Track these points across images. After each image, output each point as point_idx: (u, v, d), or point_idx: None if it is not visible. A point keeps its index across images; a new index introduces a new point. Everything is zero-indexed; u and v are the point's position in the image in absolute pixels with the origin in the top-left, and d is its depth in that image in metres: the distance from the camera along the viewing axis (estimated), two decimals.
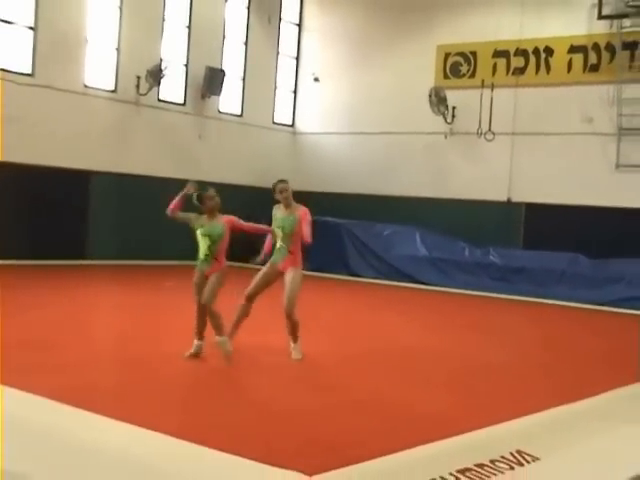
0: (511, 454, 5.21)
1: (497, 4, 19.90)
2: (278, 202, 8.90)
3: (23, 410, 5.77)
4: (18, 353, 7.79)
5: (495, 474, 4.85)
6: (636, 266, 16.65)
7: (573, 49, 18.89)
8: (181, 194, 8.30)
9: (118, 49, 18.58)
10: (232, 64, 21.32)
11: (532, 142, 19.30)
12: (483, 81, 19.69)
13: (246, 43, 21.84)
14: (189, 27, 20.18)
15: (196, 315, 8.26)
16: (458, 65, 20.54)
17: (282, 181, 8.89)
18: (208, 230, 8.13)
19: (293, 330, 8.64)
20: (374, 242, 19.62)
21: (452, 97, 20.01)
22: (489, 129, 19.43)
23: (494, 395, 7.61)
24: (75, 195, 17.69)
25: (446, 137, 20.42)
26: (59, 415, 5.75)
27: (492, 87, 19.46)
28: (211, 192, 8.24)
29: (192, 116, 20.40)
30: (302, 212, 8.73)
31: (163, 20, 19.61)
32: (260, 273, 8.83)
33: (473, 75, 20.25)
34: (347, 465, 4.87)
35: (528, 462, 5.13)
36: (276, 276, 8.77)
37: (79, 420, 5.63)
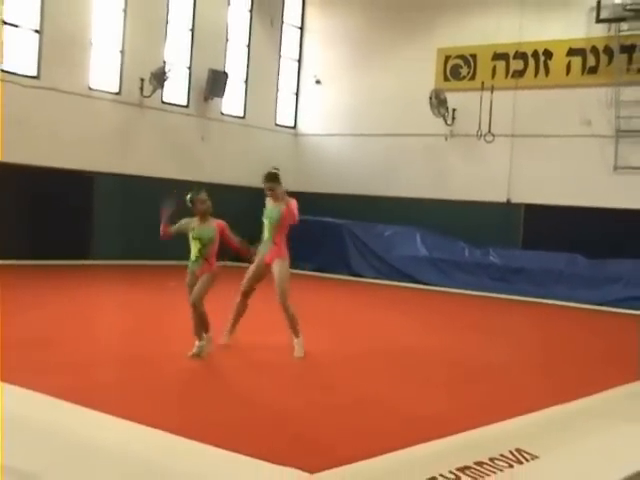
0: (510, 452, 5.20)
1: (497, 8, 19.90)
2: None
3: (26, 408, 5.77)
4: (22, 351, 7.79)
5: (494, 472, 4.84)
6: (634, 266, 16.66)
7: (572, 52, 18.90)
8: (163, 217, 8.27)
9: (122, 52, 18.60)
10: (235, 66, 21.34)
11: (531, 144, 19.30)
12: (483, 83, 19.69)
13: (249, 46, 21.84)
14: (192, 30, 20.19)
15: (192, 317, 8.25)
16: (458, 68, 20.54)
17: (267, 179, 8.92)
18: (199, 233, 8.18)
19: (292, 323, 8.70)
20: (375, 242, 19.63)
21: (452, 99, 20.02)
22: (489, 131, 19.43)
23: (494, 394, 7.61)
24: (80, 196, 17.68)
25: (446, 139, 20.43)
26: (61, 413, 5.74)
27: (492, 89, 19.46)
28: (202, 196, 8.24)
29: (195, 118, 20.41)
30: (289, 203, 8.83)
31: (167, 23, 19.62)
32: (251, 267, 8.92)
33: (473, 77, 20.25)
34: (348, 463, 4.86)
35: (527, 460, 5.13)
36: (264, 268, 8.83)
37: (81, 417, 5.62)
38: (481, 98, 19.57)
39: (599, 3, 17.91)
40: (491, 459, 5.03)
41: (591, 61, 18.65)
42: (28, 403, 5.93)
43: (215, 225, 8.21)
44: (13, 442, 4.81)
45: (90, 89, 18.04)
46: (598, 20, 18.06)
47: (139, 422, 5.48)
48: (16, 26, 16.66)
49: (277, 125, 22.88)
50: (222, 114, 21.16)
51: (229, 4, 21.15)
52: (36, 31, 16.97)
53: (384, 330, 11.45)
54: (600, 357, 10.45)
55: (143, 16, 18.86)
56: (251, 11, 21.80)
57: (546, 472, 5.05)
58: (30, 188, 16.56)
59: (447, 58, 20.67)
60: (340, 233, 19.84)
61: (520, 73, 19.56)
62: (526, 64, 19.51)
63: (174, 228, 8.32)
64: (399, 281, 18.57)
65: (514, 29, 19.41)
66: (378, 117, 21.54)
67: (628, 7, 17.48)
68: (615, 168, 18.14)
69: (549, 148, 18.93)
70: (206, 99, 20.38)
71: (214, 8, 20.66)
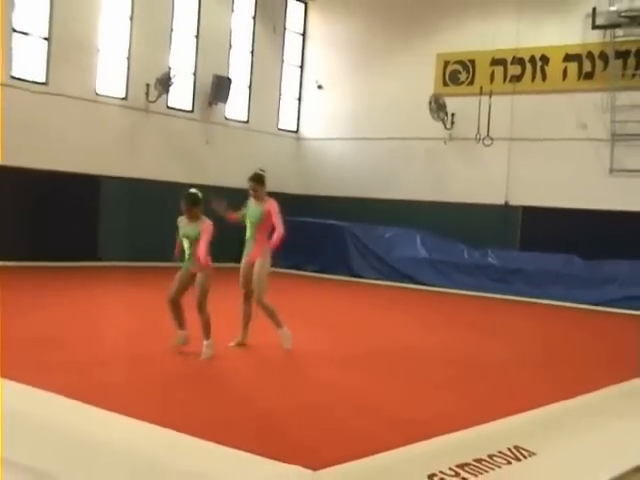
0: (508, 449, 5.22)
1: (495, 14, 19.92)
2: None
3: (33, 405, 5.81)
4: (30, 350, 7.84)
5: (493, 469, 4.86)
6: (629, 267, 16.67)
7: (568, 58, 18.90)
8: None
9: (129, 58, 18.62)
10: (238, 72, 21.36)
11: (529, 147, 19.31)
12: (481, 88, 19.70)
13: (252, 52, 21.87)
14: (197, 37, 20.22)
15: (172, 313, 8.46)
16: (457, 73, 20.56)
17: (252, 180, 9.10)
18: (185, 231, 8.38)
19: (271, 317, 8.83)
20: (376, 244, 19.63)
21: (451, 104, 20.03)
22: (487, 135, 19.43)
23: (492, 392, 7.63)
24: (87, 199, 17.70)
25: (445, 142, 20.44)
26: (67, 410, 5.75)
27: (490, 94, 19.46)
28: (191, 198, 8.38)
29: (200, 122, 20.43)
30: (269, 205, 8.95)
31: (172, 30, 19.65)
32: (241, 269, 9.00)
33: (472, 83, 20.26)
34: (349, 461, 4.88)
35: (525, 457, 5.15)
36: (250, 267, 8.93)
37: (86, 415, 5.63)
38: (479, 103, 19.57)
39: (595, 10, 17.92)
40: (490, 456, 5.05)
41: (587, 66, 18.66)
42: (35, 401, 5.95)
43: (201, 225, 8.30)
44: (19, 439, 4.85)
45: (97, 94, 18.07)
46: (594, 26, 18.07)
47: (143, 419, 5.50)
48: (26, 34, 16.71)
49: (280, 129, 22.91)
50: (226, 119, 21.18)
51: (233, 11, 21.18)
52: (45, 38, 17.01)
53: (384, 330, 11.46)
54: (596, 356, 10.46)
55: (149, 23, 18.90)
56: (254, 18, 21.83)
57: (543, 468, 5.07)
58: (39, 191, 16.60)
59: (446, 63, 20.69)
60: (341, 235, 19.84)
61: (518, 78, 19.57)
62: (523, 69, 19.52)
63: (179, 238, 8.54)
64: (399, 282, 18.57)
65: (512, 35, 19.43)
66: (379, 121, 21.56)
67: (623, 14, 17.48)
68: (611, 171, 18.15)
69: (546, 151, 18.94)
70: (210, 104, 20.41)
71: (218, 15, 20.69)
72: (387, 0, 21.65)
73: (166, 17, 19.45)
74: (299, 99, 23.42)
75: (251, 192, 9.03)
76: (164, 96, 19.07)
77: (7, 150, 15.89)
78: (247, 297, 9.04)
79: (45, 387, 6.19)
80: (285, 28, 22.83)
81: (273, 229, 8.89)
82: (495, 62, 19.91)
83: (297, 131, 23.39)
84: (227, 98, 20.46)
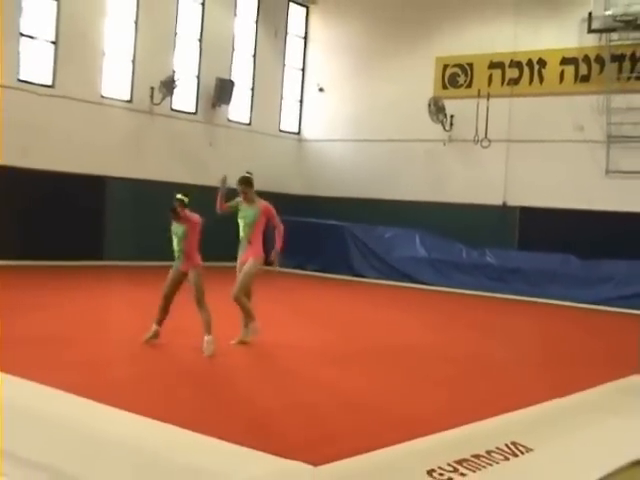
0: (506, 445, 5.23)
1: (493, 18, 19.91)
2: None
3: (41, 402, 5.83)
4: (36, 348, 7.85)
5: (491, 464, 4.87)
6: (625, 267, 16.68)
7: (565, 61, 18.91)
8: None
9: (133, 61, 18.63)
10: (241, 75, 21.36)
11: (526, 149, 19.31)
12: (479, 91, 19.71)
13: (254, 55, 21.87)
14: (200, 40, 20.22)
15: (160, 304, 8.57)
16: (456, 76, 20.56)
17: (241, 183, 9.15)
18: (174, 230, 8.51)
19: (245, 312, 8.88)
20: (376, 244, 19.64)
21: (450, 106, 20.03)
22: (485, 136, 19.45)
23: (490, 390, 7.63)
24: (92, 199, 17.72)
25: (444, 144, 20.44)
26: (74, 407, 5.77)
27: (488, 97, 19.47)
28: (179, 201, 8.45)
29: (203, 124, 20.44)
30: (263, 207, 9.04)
31: (175, 34, 19.65)
32: (238, 270, 9.01)
33: (470, 85, 20.27)
34: (348, 457, 4.88)
35: (522, 453, 5.16)
36: (243, 266, 8.97)
37: (93, 411, 5.65)
38: (478, 105, 19.58)
39: (590, 14, 17.88)
40: (488, 452, 5.06)
41: (583, 70, 18.67)
42: (43, 397, 5.97)
43: (189, 222, 8.39)
44: (27, 434, 4.86)
45: (102, 97, 18.08)
46: (590, 30, 18.05)
47: (147, 416, 5.52)
48: (33, 38, 16.73)
49: (282, 131, 22.91)
50: (229, 121, 21.19)
51: (235, 15, 21.19)
52: (52, 42, 17.02)
53: (384, 328, 11.47)
54: (593, 354, 10.46)
55: (153, 27, 18.91)
56: (256, 22, 21.83)
57: (540, 464, 5.07)
58: (45, 192, 16.61)
59: (445, 67, 20.69)
60: (342, 235, 19.85)
61: (515, 81, 19.57)
62: (521, 72, 19.52)
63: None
64: (399, 281, 18.58)
65: (509, 39, 19.44)
66: (379, 123, 21.56)
67: (618, 18, 17.47)
68: (607, 172, 18.14)
69: (543, 153, 18.94)
70: (213, 106, 20.41)
71: (221, 20, 20.70)
72: (387, 5, 21.65)
73: (170, 21, 19.46)
74: (301, 101, 23.43)
75: (241, 195, 9.06)
76: (168, 98, 19.08)
77: (14, 151, 15.93)
78: (248, 298, 9.05)
79: (53, 384, 6.20)
80: (287, 32, 22.83)
81: (268, 229, 8.92)
82: (493, 65, 19.91)
83: (299, 133, 23.40)
84: (230, 100, 20.46)
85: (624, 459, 5.20)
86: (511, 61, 19.57)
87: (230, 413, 6.07)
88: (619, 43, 17.99)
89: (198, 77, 20.27)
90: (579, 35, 18.50)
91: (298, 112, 23.41)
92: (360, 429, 5.82)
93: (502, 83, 19.77)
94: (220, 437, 5.12)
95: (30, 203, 16.36)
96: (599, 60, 18.41)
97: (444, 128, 20.23)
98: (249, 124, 21.81)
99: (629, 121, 17.80)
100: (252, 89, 21.88)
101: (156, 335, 8.56)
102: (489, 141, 19.38)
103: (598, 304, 16.02)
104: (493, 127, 19.38)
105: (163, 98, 18.84)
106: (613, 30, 17.84)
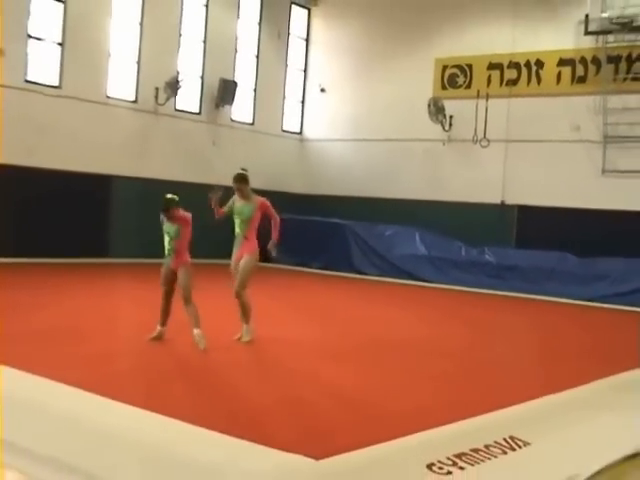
0: (504, 439, 5.24)
1: (492, 21, 19.92)
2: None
3: (47, 396, 5.85)
4: (44, 343, 7.88)
5: (489, 458, 4.88)
6: (620, 264, 16.68)
7: (562, 62, 18.92)
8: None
9: (138, 62, 18.65)
10: (244, 76, 21.38)
11: (524, 148, 19.32)
12: (478, 92, 19.72)
13: (257, 56, 21.88)
14: (204, 42, 20.24)
15: (161, 305, 8.58)
16: (455, 77, 20.56)
17: (237, 180, 9.03)
18: (166, 228, 8.52)
19: (243, 311, 8.83)
20: (376, 242, 19.65)
21: (449, 106, 20.04)
22: (484, 136, 19.46)
23: (488, 384, 7.65)
24: (98, 198, 17.75)
25: (444, 144, 20.45)
26: (80, 401, 5.78)
27: (487, 97, 19.47)
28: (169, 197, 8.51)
29: (207, 124, 20.45)
30: (259, 202, 8.99)
31: (180, 35, 19.67)
32: (232, 267, 8.99)
33: (469, 86, 20.27)
34: (348, 451, 4.89)
35: (520, 447, 5.16)
36: (238, 262, 8.95)
37: (99, 406, 5.66)
38: (477, 105, 19.59)
39: (587, 17, 17.89)
40: (486, 446, 5.07)
41: (580, 71, 18.67)
42: (48, 391, 5.99)
43: (182, 221, 8.43)
44: (31, 427, 4.89)
45: (108, 97, 18.10)
46: (586, 32, 18.06)
47: (150, 410, 5.54)
48: (40, 39, 16.75)
49: (284, 131, 22.93)
50: (232, 121, 21.20)
51: (239, 17, 21.20)
52: (59, 44, 17.04)
53: (384, 324, 11.44)
54: (588, 350, 10.47)
55: (158, 29, 18.92)
56: (259, 24, 21.84)
57: (538, 458, 5.08)
58: (52, 190, 16.63)
59: (444, 68, 20.70)
60: (343, 233, 19.86)
61: (513, 82, 19.58)
62: (519, 73, 19.53)
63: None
64: (399, 278, 18.57)
65: (508, 41, 19.45)
66: (379, 123, 21.57)
67: (614, 21, 17.48)
68: (603, 171, 18.15)
69: (541, 152, 18.95)
70: (217, 106, 20.43)
71: (224, 21, 20.71)
72: (387, 7, 21.65)
73: (174, 23, 19.47)
74: (302, 102, 23.43)
75: (236, 192, 9.03)
76: (172, 99, 19.09)
77: (22, 150, 15.97)
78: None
79: (57, 378, 6.21)
80: (289, 34, 22.84)
81: (264, 222, 8.92)
82: (492, 66, 19.91)
83: (301, 132, 23.41)
84: (233, 101, 20.48)
85: (618, 453, 5.22)
86: (509, 62, 19.57)
87: (230, 407, 6.07)
88: (615, 45, 18.00)
89: (202, 78, 20.28)
90: (576, 37, 18.51)
91: (300, 112, 23.42)
92: (358, 424, 5.82)
93: (501, 84, 19.78)
94: (221, 431, 5.13)
95: (36, 201, 16.36)
96: (595, 61, 18.41)
97: (443, 128, 20.24)
98: (252, 124, 21.82)
99: (625, 121, 17.81)
100: (255, 90, 21.89)
101: (160, 336, 8.54)
102: (488, 141, 19.39)
103: (594, 301, 16.03)
104: (492, 127, 19.39)
105: (167, 98, 18.86)
106: (609, 32, 17.84)
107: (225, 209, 9.02)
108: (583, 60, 18.62)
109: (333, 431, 5.59)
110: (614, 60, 18.08)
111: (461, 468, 4.66)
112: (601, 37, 18.10)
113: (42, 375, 6.27)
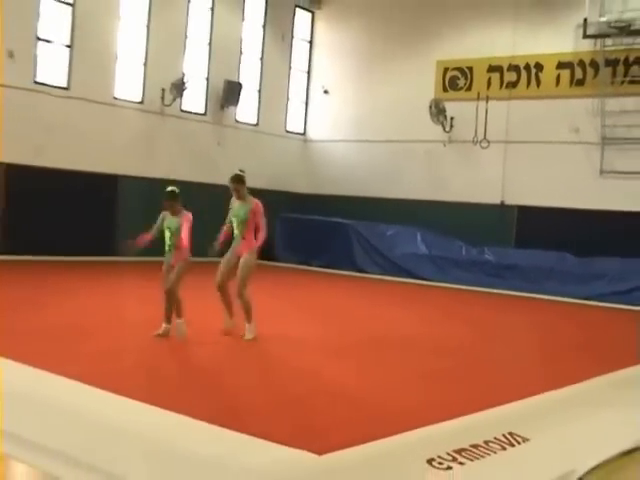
0: (503, 435, 5.24)
1: (492, 24, 19.90)
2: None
3: (50, 390, 5.86)
4: (51, 339, 7.88)
5: (489, 454, 4.88)
6: (618, 264, 16.67)
7: (561, 65, 18.90)
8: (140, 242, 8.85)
9: (145, 64, 18.67)
10: (249, 78, 21.38)
11: (523, 150, 19.30)
12: (479, 94, 19.70)
13: (261, 58, 21.88)
14: (210, 44, 20.25)
15: (165, 301, 8.57)
16: (456, 79, 20.55)
17: (233, 181, 9.02)
18: (168, 224, 8.59)
19: (245, 310, 8.82)
20: (378, 241, 19.64)
21: (450, 108, 20.04)
22: (484, 138, 19.44)
23: (487, 381, 7.63)
24: (105, 197, 17.76)
25: (445, 145, 20.44)
26: (85, 396, 5.79)
27: (487, 99, 19.46)
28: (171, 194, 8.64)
29: (212, 125, 20.46)
30: (254, 204, 8.96)
31: (186, 38, 19.68)
32: (223, 261, 9.02)
33: (470, 88, 20.26)
34: (349, 447, 4.88)
35: (519, 443, 5.16)
36: (236, 261, 8.97)
37: (104, 401, 5.67)
38: (477, 107, 19.58)
39: (586, 21, 17.89)
40: (486, 442, 5.07)
41: (579, 74, 18.65)
42: (52, 385, 6.01)
43: (182, 217, 8.46)
44: (37, 421, 4.89)
45: (115, 98, 18.12)
46: (585, 36, 18.06)
47: (154, 405, 5.54)
48: (49, 42, 16.77)
49: (288, 132, 22.93)
50: (237, 121, 21.21)
51: (243, 20, 21.20)
52: (67, 46, 17.06)
53: (384, 322, 11.43)
54: (586, 347, 10.45)
55: (164, 31, 18.93)
56: (264, 26, 21.84)
57: (536, 454, 5.08)
58: (60, 189, 16.65)
59: (445, 70, 20.69)
60: (346, 232, 19.84)
61: (513, 84, 19.57)
62: (519, 76, 19.51)
63: (153, 230, 8.71)
64: (401, 277, 18.54)
65: (508, 44, 19.43)
66: (381, 124, 21.57)
67: (612, 24, 17.47)
68: (601, 172, 18.14)
69: (540, 154, 18.93)
70: (222, 107, 20.43)
71: (230, 24, 20.71)
72: (390, 10, 21.64)
73: (180, 25, 19.48)
74: (306, 103, 23.43)
75: (233, 193, 9.00)
76: (178, 100, 19.11)
77: (30, 151, 15.99)
78: (222, 289, 9.03)
79: (63, 374, 6.23)
80: (293, 36, 22.84)
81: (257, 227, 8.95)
82: (492, 69, 19.90)
83: (304, 133, 23.40)
84: (238, 102, 20.49)
85: (616, 449, 5.22)
86: (509, 65, 19.56)
87: (232, 403, 6.07)
88: (613, 48, 17.99)
89: (207, 79, 20.29)
90: (575, 40, 18.49)
91: (303, 113, 23.42)
92: (359, 420, 5.81)
93: (500, 86, 19.77)
94: (223, 425, 5.12)
95: (45, 201, 16.39)
96: (594, 64, 18.39)
97: (444, 129, 20.23)
98: (256, 125, 21.82)
99: (622, 123, 17.79)
100: (259, 91, 21.89)
101: (166, 333, 8.52)
102: (488, 142, 19.38)
103: (592, 300, 16.00)
104: (492, 128, 19.37)
105: (173, 99, 18.87)
106: (607, 36, 17.83)
107: (227, 226, 9.04)
108: (582, 63, 18.60)
109: (334, 427, 5.58)
110: (612, 63, 18.07)
111: (461, 463, 4.66)
112: (599, 41, 18.10)
113: (46, 370, 6.27)
